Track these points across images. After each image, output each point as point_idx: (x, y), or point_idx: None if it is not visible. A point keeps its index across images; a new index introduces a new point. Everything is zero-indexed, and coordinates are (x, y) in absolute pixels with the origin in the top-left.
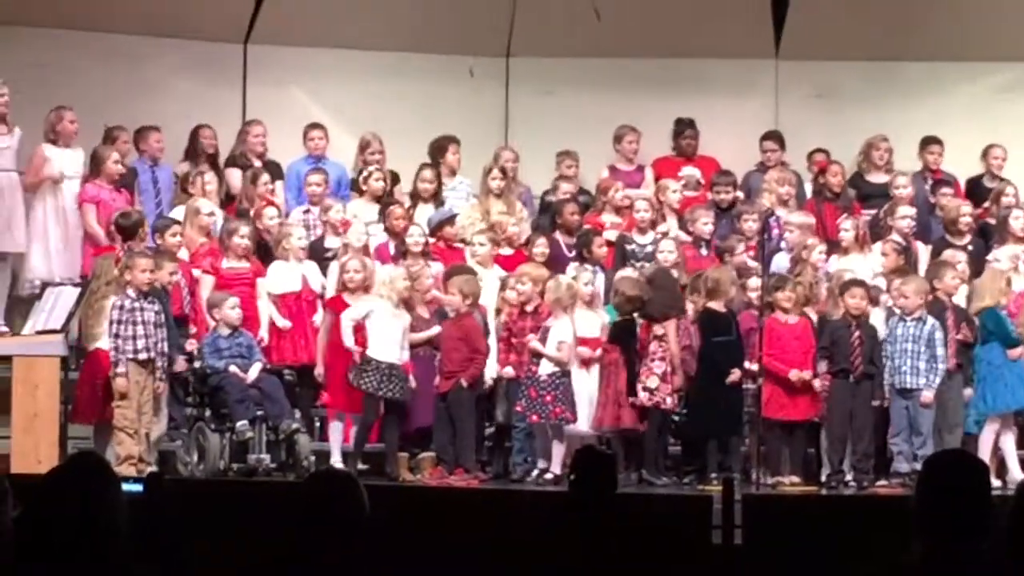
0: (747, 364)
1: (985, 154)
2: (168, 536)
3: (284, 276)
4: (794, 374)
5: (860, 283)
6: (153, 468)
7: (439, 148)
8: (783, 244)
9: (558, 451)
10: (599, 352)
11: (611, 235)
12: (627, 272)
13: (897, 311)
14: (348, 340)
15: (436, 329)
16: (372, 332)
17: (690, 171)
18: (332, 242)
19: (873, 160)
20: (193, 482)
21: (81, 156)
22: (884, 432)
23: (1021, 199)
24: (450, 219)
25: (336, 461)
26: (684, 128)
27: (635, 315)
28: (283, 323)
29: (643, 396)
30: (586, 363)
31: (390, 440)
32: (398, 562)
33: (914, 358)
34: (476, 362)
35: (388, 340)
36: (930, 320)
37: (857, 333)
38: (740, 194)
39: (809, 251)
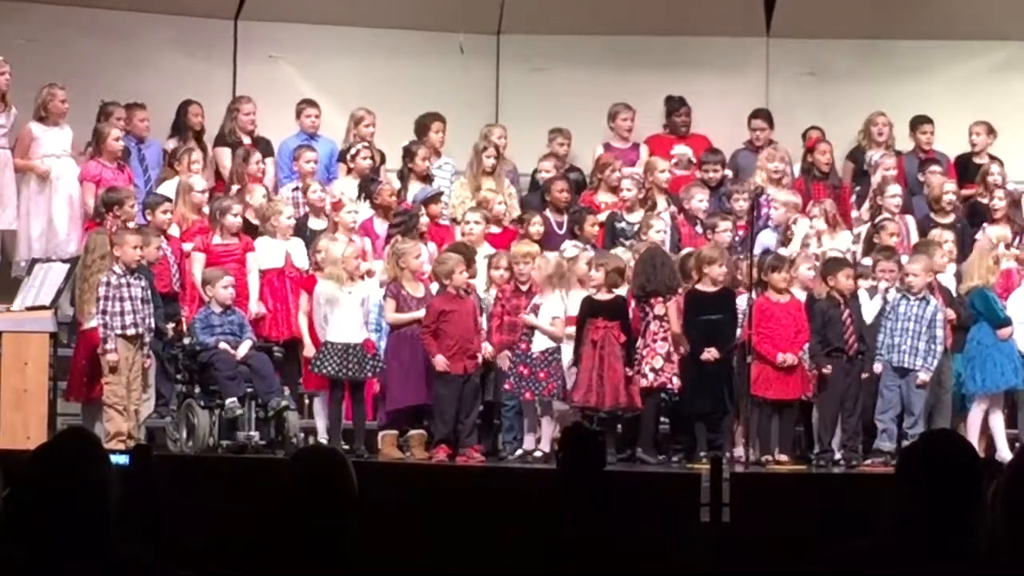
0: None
1: (969, 132)
2: (154, 508)
3: (269, 252)
4: (780, 358)
5: (846, 262)
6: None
7: (422, 126)
8: (769, 223)
9: (547, 429)
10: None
11: (604, 215)
12: (616, 250)
13: (881, 288)
14: (317, 326)
15: (421, 312)
16: (326, 315)
17: (682, 149)
18: (315, 223)
19: (872, 136)
20: (182, 458)
21: (69, 135)
22: (873, 411)
23: (1008, 178)
24: (435, 196)
25: (323, 438)
26: (677, 106)
27: (642, 291)
28: (256, 308)
29: (650, 377)
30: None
31: (358, 420)
32: (388, 539)
33: (914, 338)
34: (480, 341)
35: (345, 321)
36: (933, 300)
37: (847, 312)
38: (729, 172)
39: (791, 229)
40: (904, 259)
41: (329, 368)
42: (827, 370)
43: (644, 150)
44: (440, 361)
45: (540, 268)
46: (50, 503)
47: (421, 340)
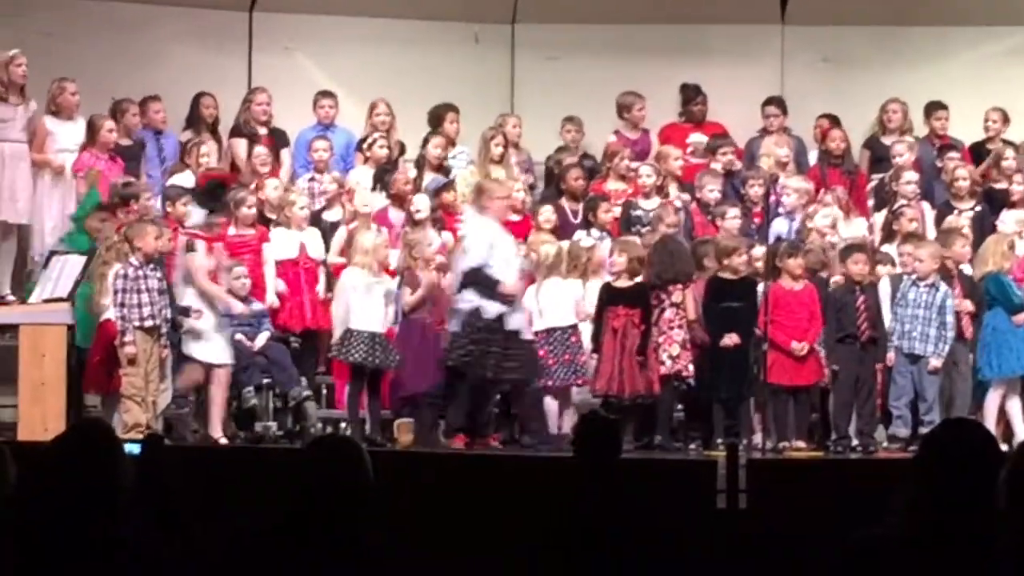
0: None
1: (985, 118)
2: (167, 497)
3: (283, 243)
4: (795, 346)
5: (861, 248)
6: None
7: (437, 117)
8: (780, 209)
9: (552, 410)
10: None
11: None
12: (630, 238)
13: (909, 276)
14: (338, 315)
15: (432, 278)
16: (353, 303)
17: (698, 137)
18: (333, 214)
19: (884, 123)
20: (197, 448)
21: (83, 128)
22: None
23: None
24: (447, 185)
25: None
26: (694, 94)
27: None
28: (272, 299)
29: (667, 364)
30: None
31: (373, 408)
32: (403, 528)
33: (925, 324)
34: None
35: (369, 310)
36: (943, 287)
37: (862, 298)
38: (735, 159)
39: (811, 217)
40: None
41: (357, 355)
42: (836, 367)
43: (654, 138)
44: None
45: (538, 256)
46: (65, 493)
47: (436, 331)
